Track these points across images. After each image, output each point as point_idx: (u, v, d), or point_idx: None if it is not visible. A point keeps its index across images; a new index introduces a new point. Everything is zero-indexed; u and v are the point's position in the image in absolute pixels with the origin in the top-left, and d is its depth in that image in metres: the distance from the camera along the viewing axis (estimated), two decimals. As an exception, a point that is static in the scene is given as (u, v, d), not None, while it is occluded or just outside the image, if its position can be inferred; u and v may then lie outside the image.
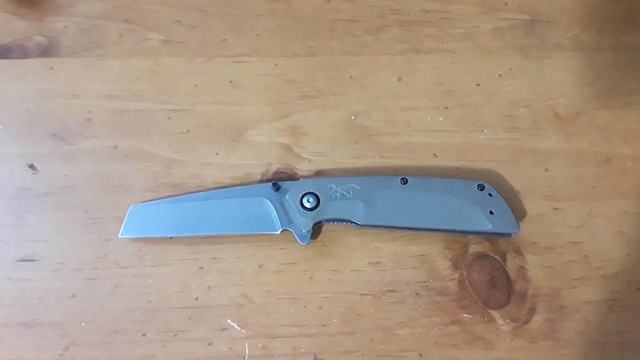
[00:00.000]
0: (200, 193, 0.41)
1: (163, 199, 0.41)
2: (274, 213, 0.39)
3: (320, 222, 0.39)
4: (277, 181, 0.40)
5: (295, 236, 0.39)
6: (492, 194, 0.39)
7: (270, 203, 0.39)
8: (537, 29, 0.46)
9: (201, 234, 0.39)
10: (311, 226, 0.38)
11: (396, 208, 0.38)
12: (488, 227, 0.38)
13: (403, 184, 0.39)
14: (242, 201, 0.39)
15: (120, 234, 0.39)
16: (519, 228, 0.38)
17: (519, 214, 0.40)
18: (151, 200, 0.41)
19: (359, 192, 0.39)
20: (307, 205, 0.39)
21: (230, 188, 0.41)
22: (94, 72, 0.45)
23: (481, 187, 0.39)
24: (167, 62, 0.45)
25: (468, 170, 0.42)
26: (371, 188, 0.39)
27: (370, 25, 0.47)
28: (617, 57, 0.46)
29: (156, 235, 0.40)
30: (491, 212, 0.38)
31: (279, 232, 0.39)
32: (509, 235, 0.39)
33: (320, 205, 0.39)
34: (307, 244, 0.39)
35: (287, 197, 0.39)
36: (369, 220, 0.38)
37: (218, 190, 0.41)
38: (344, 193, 0.39)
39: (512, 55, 0.46)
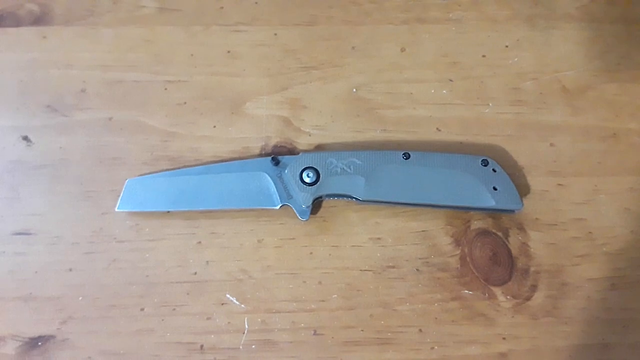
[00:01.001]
0: (198, 167, 0.40)
1: (160, 173, 0.40)
2: (273, 188, 0.38)
3: (320, 197, 0.38)
4: (277, 155, 0.39)
5: (295, 211, 0.38)
6: (496, 169, 0.38)
7: (269, 178, 0.38)
8: (546, -1, 0.45)
9: (199, 208, 0.39)
10: (311, 201, 0.38)
11: (398, 183, 0.38)
12: (491, 203, 0.37)
13: (405, 159, 0.38)
14: (240, 175, 0.39)
15: (116, 207, 0.39)
16: (523, 204, 0.38)
17: (523, 190, 0.40)
18: (148, 173, 0.40)
19: (360, 167, 0.38)
20: (307, 180, 0.38)
21: (229, 162, 0.40)
22: (87, 41, 0.43)
23: (485, 163, 0.38)
24: (162, 31, 0.44)
25: (472, 145, 0.41)
26: (372, 163, 0.38)
27: (373, -6, 0.45)
28: (627, 29, 0.44)
29: (153, 210, 0.39)
30: (495, 188, 0.37)
31: (278, 207, 0.38)
32: (513, 211, 0.39)
33: (320, 180, 0.38)
34: (306, 220, 0.38)
35: (286, 171, 0.38)
36: (370, 195, 0.38)
37: (216, 164, 0.40)
38: (345, 168, 0.38)
39: (520, 26, 0.44)
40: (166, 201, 0.39)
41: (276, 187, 0.38)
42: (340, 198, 0.39)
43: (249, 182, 0.39)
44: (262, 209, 0.39)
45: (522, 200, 0.38)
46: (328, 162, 0.38)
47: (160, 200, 0.39)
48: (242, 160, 0.40)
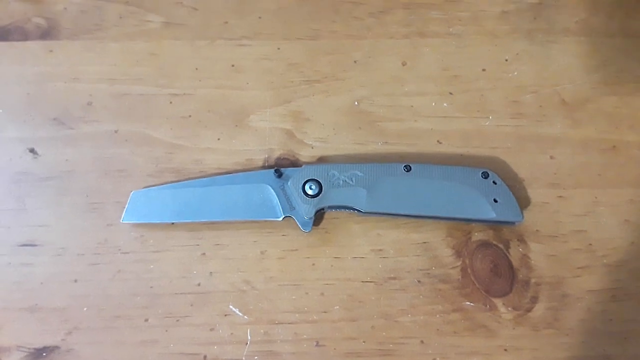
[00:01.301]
0: (202, 179, 0.40)
1: (165, 185, 0.40)
2: (276, 200, 0.39)
3: (323, 209, 0.39)
4: (279, 167, 0.39)
5: (298, 223, 0.38)
6: (497, 181, 0.38)
7: (272, 190, 0.39)
8: (545, 13, 0.46)
9: (203, 220, 0.39)
10: (313, 213, 0.38)
11: (399, 195, 0.38)
12: (492, 215, 0.38)
13: (406, 171, 0.38)
14: (244, 187, 0.39)
15: (122, 219, 0.39)
16: (523, 217, 0.38)
17: (523, 202, 0.40)
18: (153, 185, 0.41)
19: (362, 179, 0.38)
20: (309, 192, 0.38)
21: (232, 174, 0.40)
22: (94, 55, 0.44)
23: (485, 175, 0.38)
24: (167, 45, 0.44)
25: (472, 157, 0.42)
26: (374, 175, 0.38)
27: (375, 8, 0.46)
28: (626, 43, 0.45)
29: (158, 221, 0.39)
30: (495, 200, 0.38)
31: (281, 219, 0.39)
32: (513, 223, 0.39)
33: (322, 192, 0.38)
34: (309, 231, 0.38)
35: (289, 183, 0.39)
36: (371, 207, 0.38)
37: (220, 176, 0.40)
38: (347, 180, 0.38)
39: (519, 40, 0.45)
40: (171, 213, 0.39)
41: (279, 199, 0.39)
42: (343, 210, 0.39)
43: (252, 194, 0.39)
44: (265, 221, 0.40)
45: (522, 213, 0.38)
46: (330, 175, 0.39)
47: (165, 212, 0.39)
48: (245, 173, 0.41)
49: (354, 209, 0.39)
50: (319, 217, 0.40)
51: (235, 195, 0.39)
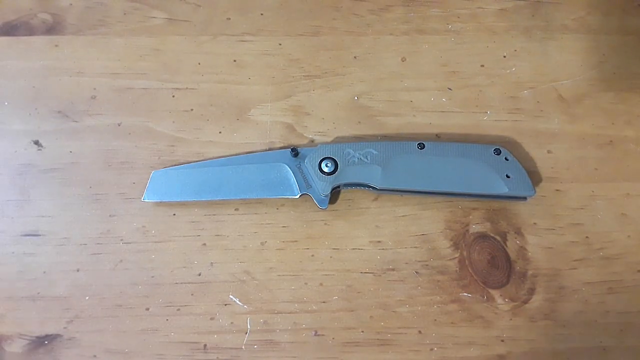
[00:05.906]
0: (221, 159, 0.41)
1: (184, 165, 0.41)
2: (293, 178, 0.39)
3: (339, 186, 0.39)
4: (296, 147, 0.40)
5: (314, 200, 0.39)
6: (509, 158, 0.39)
7: (289, 168, 0.39)
8: (543, 11, 0.46)
9: (221, 198, 0.40)
10: (329, 190, 0.38)
11: (413, 172, 0.38)
12: (504, 190, 0.38)
13: (420, 149, 0.39)
14: (261, 166, 0.40)
15: (142, 198, 0.40)
16: (535, 191, 0.38)
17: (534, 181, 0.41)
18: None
19: (377, 157, 0.39)
20: (326, 170, 0.39)
21: (250, 154, 0.41)
22: (98, 50, 0.45)
23: (497, 152, 0.39)
24: (171, 41, 0.45)
25: (470, 151, 0.42)
26: (389, 153, 0.39)
27: (375, 5, 0.46)
28: (623, 40, 0.45)
29: (178, 200, 0.40)
30: (507, 176, 0.38)
31: (297, 196, 0.39)
32: (525, 198, 0.39)
33: (338, 169, 0.39)
34: (325, 208, 0.39)
35: (305, 162, 0.39)
36: (386, 184, 0.38)
37: (237, 156, 0.41)
38: (362, 158, 0.39)
39: (517, 37, 0.45)
40: (190, 191, 0.40)
41: (295, 177, 0.39)
42: (358, 187, 0.40)
43: (269, 172, 0.40)
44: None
45: (534, 187, 0.38)
46: (346, 153, 0.39)
47: (184, 190, 0.40)
48: (262, 152, 0.41)
49: (369, 186, 0.39)
50: (334, 195, 0.40)
51: (253, 174, 0.40)
